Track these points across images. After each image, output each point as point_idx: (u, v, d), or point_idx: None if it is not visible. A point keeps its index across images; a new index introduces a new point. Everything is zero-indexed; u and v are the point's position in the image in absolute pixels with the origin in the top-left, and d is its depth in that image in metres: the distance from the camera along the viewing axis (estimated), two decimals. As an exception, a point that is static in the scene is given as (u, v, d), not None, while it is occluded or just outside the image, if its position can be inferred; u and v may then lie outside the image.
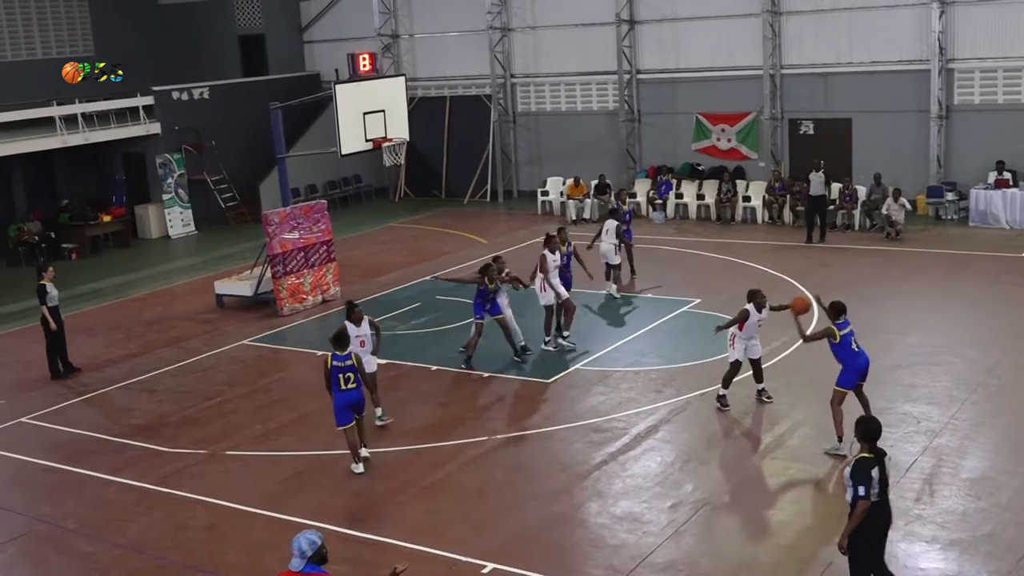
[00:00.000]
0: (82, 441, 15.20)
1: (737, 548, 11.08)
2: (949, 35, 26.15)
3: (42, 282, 18.00)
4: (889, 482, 9.15)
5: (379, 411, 14.92)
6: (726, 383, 14.69)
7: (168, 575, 11.29)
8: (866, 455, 9.07)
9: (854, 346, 12.98)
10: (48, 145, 28.07)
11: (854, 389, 13.12)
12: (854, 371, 12.99)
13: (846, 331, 12.95)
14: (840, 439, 12.94)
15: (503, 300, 16.93)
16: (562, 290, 17.68)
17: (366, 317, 14.73)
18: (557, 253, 17.85)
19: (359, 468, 13.33)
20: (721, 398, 14.71)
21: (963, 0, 25.86)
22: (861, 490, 8.91)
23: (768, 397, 14.84)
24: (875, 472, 8.94)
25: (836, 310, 13.05)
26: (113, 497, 13.26)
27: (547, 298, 17.65)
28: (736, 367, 14.58)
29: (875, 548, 9.19)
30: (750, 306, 14.39)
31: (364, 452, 13.57)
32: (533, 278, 17.82)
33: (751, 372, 14.84)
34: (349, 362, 13.11)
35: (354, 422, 13.33)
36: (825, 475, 12.60)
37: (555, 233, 18.26)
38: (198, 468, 13.96)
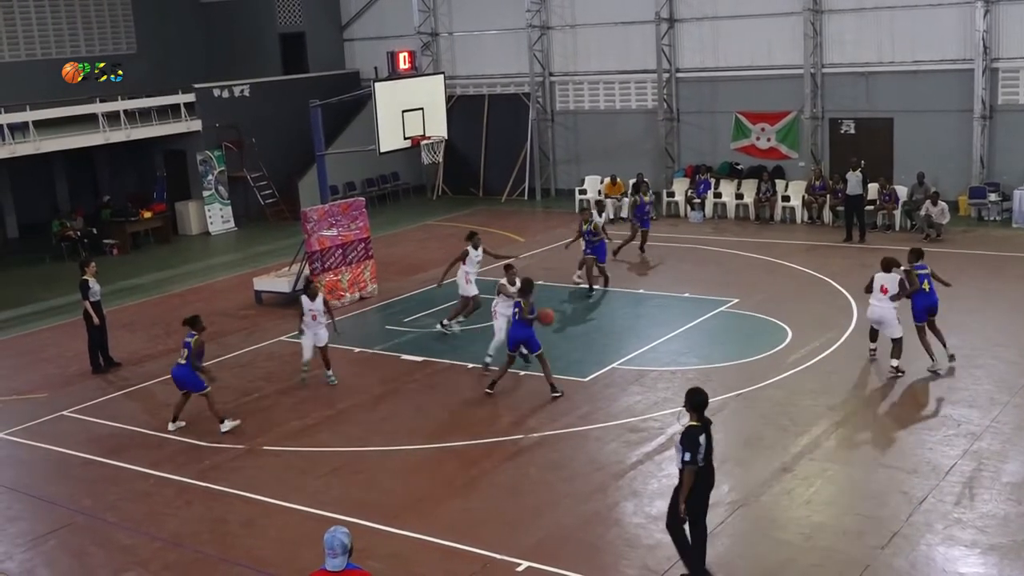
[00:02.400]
0: (122, 435, 15.37)
1: (773, 550, 11.00)
2: (993, 34, 25.83)
3: (84, 277, 18.22)
4: (713, 448, 9.86)
5: (329, 372, 16.79)
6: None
7: (206, 568, 11.39)
8: (694, 423, 9.78)
9: (926, 287, 15.38)
10: (91, 142, 28.43)
11: (927, 322, 15.46)
12: (924, 309, 15.43)
13: (922, 273, 15.46)
14: (932, 357, 15.42)
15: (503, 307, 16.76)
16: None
17: (321, 293, 16.60)
18: (480, 249, 19.12)
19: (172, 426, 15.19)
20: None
21: (1008, -1, 25.57)
22: (687, 456, 9.65)
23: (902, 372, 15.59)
24: (702, 439, 9.68)
25: (916, 254, 15.68)
26: (152, 491, 13.39)
27: (469, 290, 18.92)
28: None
29: (706, 505, 10.00)
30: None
31: (171, 426, 15.29)
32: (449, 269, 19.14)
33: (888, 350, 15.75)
34: (187, 340, 14.81)
35: (182, 394, 15.12)
36: (863, 477, 12.49)
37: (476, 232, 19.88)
38: (236, 463, 14.08)
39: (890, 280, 15.49)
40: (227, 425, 15.05)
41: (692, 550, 10.15)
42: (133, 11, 34.56)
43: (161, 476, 13.78)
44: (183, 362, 14.94)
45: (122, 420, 15.94)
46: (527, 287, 15.72)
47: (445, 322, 19.11)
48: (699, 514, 10.01)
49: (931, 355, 15.43)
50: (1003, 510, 11.40)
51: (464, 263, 18.98)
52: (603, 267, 21.32)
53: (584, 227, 21.20)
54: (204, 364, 15.25)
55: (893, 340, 15.60)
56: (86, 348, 18.50)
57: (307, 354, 16.74)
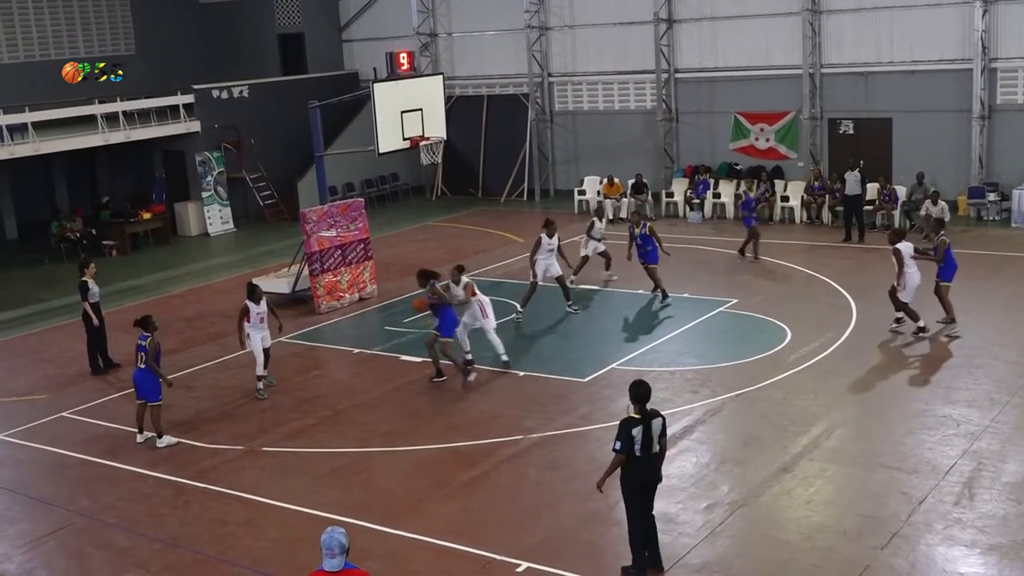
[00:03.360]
0: (121, 436, 15.36)
1: (773, 550, 11.00)
2: (992, 34, 25.83)
3: (84, 278, 18.21)
4: (657, 441, 10.14)
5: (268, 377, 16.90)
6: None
7: (205, 569, 11.39)
8: (633, 415, 10.06)
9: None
10: (90, 143, 28.42)
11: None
12: (952, 270, 17.36)
13: (948, 239, 17.57)
14: (953, 321, 17.22)
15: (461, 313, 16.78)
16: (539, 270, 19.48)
17: (265, 297, 16.59)
18: (555, 237, 19.52)
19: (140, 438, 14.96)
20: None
21: (1007, -1, 25.58)
22: (618, 444, 10.02)
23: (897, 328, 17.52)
24: (636, 431, 9.96)
25: (940, 224, 18.57)
26: (151, 492, 13.39)
27: (536, 274, 19.47)
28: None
29: (643, 497, 10.31)
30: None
31: (139, 438, 14.99)
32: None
33: None
34: (141, 343, 14.77)
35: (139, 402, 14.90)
36: (863, 478, 12.49)
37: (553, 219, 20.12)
38: (235, 464, 14.07)
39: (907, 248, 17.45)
40: (164, 441, 14.78)
41: (629, 538, 10.44)
42: (132, 12, 34.55)
43: (160, 477, 13.77)
44: (142, 366, 14.78)
45: (121, 421, 15.92)
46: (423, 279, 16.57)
47: (521, 309, 19.54)
48: (632, 506, 10.30)
49: (952, 318, 17.37)
50: (1003, 510, 11.40)
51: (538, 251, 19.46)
52: (653, 269, 20.38)
53: (637, 231, 20.43)
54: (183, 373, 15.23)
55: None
56: (85, 349, 18.49)
57: (261, 359, 16.56)
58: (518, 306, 19.46)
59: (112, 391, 17.45)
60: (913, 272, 17.17)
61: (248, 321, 16.40)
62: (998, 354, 16.32)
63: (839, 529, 11.31)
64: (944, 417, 13.97)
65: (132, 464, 14.23)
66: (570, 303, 19.73)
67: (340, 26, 36.48)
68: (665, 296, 20.13)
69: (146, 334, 14.87)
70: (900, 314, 17.49)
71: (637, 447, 9.99)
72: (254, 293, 16.51)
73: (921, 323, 17.25)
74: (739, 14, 28.98)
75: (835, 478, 12.57)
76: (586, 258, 21.57)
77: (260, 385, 16.56)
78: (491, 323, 16.83)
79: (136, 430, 15.09)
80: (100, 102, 28.64)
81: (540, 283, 19.65)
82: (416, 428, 14.81)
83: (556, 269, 19.60)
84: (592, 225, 21.68)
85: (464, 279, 16.74)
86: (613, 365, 16.88)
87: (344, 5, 36.39)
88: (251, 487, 13.21)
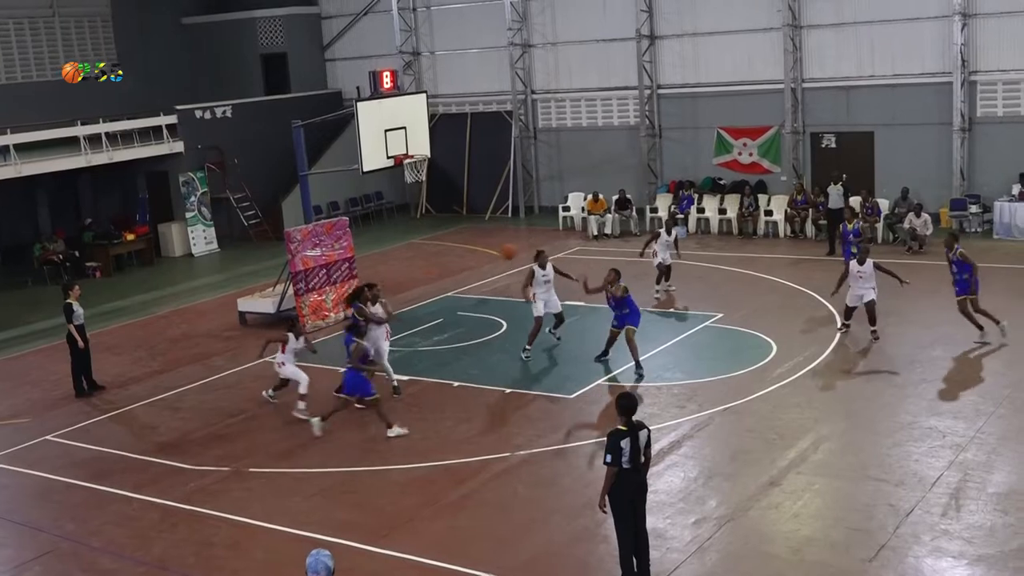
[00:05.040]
0: (107, 459, 15.27)
1: (762, 564, 11.00)
2: (971, 47, 26.05)
3: (68, 301, 18.12)
4: (643, 453, 10.15)
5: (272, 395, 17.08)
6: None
7: (192, 592, 11.33)
8: (621, 427, 10.08)
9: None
10: (72, 164, 28.32)
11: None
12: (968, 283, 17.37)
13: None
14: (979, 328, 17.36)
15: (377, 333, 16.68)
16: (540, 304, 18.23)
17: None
18: (548, 267, 18.35)
19: None
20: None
21: (985, 12, 25.76)
22: (608, 458, 10.04)
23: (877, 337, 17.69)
24: (625, 443, 9.98)
25: (955, 237, 18.07)
26: (137, 515, 13.30)
27: (537, 309, 18.19)
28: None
29: (634, 510, 10.27)
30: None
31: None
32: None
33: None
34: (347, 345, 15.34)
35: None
36: (851, 490, 12.51)
37: (543, 249, 19.02)
38: (222, 485, 14.00)
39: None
40: (394, 431, 15.03)
41: (619, 552, 10.41)
42: (114, 33, 34.44)
43: (146, 499, 13.68)
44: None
45: (106, 444, 15.84)
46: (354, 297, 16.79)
47: (528, 347, 18.34)
48: (620, 516, 10.29)
49: (978, 327, 17.43)
50: (989, 521, 11.43)
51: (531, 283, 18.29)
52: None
53: (615, 293, 18.94)
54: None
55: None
56: (70, 372, 18.39)
57: (304, 381, 16.48)
58: (526, 346, 18.29)
59: (97, 413, 17.35)
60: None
61: (283, 352, 16.58)
62: (982, 365, 16.39)
63: (827, 542, 11.32)
64: (930, 428, 14.01)
65: (118, 487, 14.13)
66: (557, 333, 18.77)
67: (323, 45, 36.53)
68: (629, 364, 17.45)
69: (356, 339, 15.31)
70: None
71: (625, 459, 10.01)
72: (295, 327, 16.96)
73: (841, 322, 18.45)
74: (720, 30, 29.14)
75: (823, 491, 12.58)
76: (668, 266, 21.63)
77: (301, 405, 16.26)
78: (386, 347, 16.96)
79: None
80: (83, 123, 28.57)
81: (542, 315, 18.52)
82: (403, 446, 14.76)
83: (556, 304, 18.48)
84: (657, 235, 21.73)
85: (381, 300, 16.87)
86: (599, 381, 16.88)
87: (327, 24, 36.45)
88: (238, 508, 13.14)
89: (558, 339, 18.74)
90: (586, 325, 20.35)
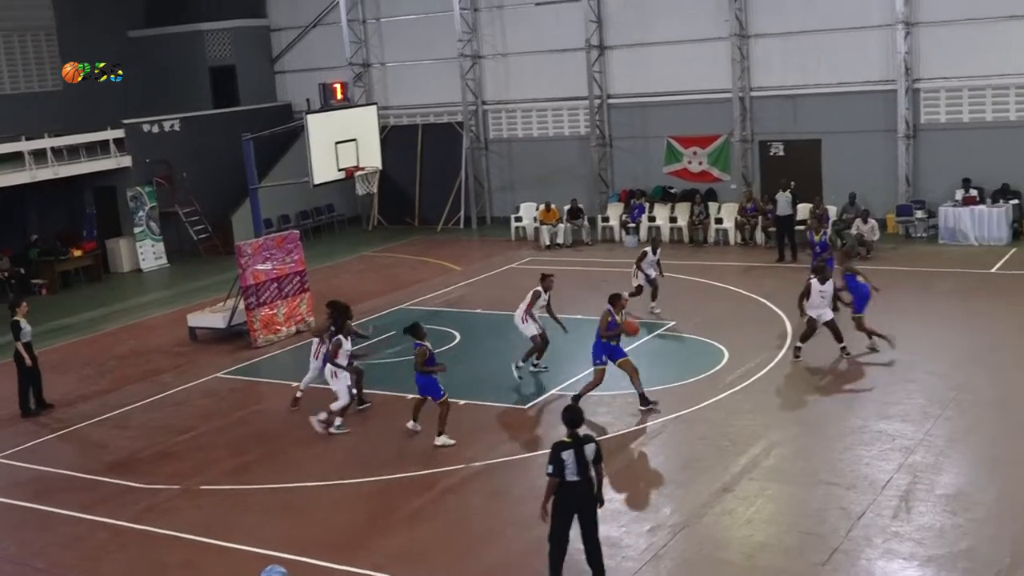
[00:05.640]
0: (54, 478, 15.00)
1: (716, 571, 11.05)
2: (915, 55, 26.48)
3: (16, 318, 17.80)
4: (592, 466, 10.15)
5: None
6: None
7: (143, 613, 11.15)
8: (565, 439, 10.13)
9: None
10: (17, 180, 27.88)
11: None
12: (864, 299, 17.46)
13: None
14: (870, 336, 17.42)
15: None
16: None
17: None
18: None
19: None
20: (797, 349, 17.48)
21: (928, 21, 26.21)
22: (550, 468, 10.12)
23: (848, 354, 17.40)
24: (567, 455, 10.02)
25: (848, 255, 19.28)
26: (85, 535, 13.08)
27: (530, 330, 17.82)
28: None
29: (582, 521, 10.26)
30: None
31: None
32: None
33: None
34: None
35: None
36: (803, 495, 12.60)
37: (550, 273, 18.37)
38: (172, 503, 13.81)
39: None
40: (441, 440, 14.87)
41: (549, 559, 10.43)
42: (59, 46, 33.98)
43: (95, 520, 13.45)
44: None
45: (53, 464, 15.55)
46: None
47: (520, 364, 17.97)
48: (557, 525, 10.30)
49: (875, 335, 17.53)
50: (939, 522, 11.57)
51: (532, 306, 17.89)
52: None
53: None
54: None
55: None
56: (15, 391, 18.06)
57: (345, 391, 15.96)
58: (539, 362, 18.07)
59: (46, 432, 17.06)
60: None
61: (336, 357, 15.83)
62: (930, 368, 16.62)
63: (781, 547, 11.39)
64: (879, 432, 14.16)
65: (65, 508, 13.87)
66: (541, 363, 18.13)
67: (272, 57, 36.32)
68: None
69: (418, 342, 14.93)
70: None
71: (569, 471, 10.02)
72: (346, 326, 16.20)
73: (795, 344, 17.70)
74: (669, 40, 29.35)
75: (775, 496, 12.67)
76: (640, 288, 21.15)
77: (338, 421, 15.87)
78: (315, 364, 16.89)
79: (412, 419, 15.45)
80: (27, 138, 28.17)
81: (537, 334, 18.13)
82: (356, 461, 14.66)
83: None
84: (644, 255, 21.17)
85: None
86: (553, 391, 16.90)
87: (276, 37, 36.25)
88: (190, 527, 12.96)
89: (545, 368, 18.11)
90: (554, 343, 20.36)
